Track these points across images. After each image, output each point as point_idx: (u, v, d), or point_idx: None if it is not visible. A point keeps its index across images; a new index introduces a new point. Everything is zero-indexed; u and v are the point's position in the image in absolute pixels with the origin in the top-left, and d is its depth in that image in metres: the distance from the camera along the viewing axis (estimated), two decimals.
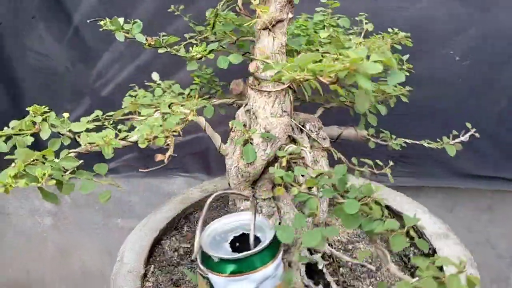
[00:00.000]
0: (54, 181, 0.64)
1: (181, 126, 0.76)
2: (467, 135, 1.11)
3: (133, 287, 0.90)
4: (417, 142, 1.14)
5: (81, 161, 0.70)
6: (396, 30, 1.07)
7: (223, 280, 0.67)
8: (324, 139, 1.09)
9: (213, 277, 0.67)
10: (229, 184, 0.96)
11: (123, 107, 1.01)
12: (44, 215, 1.90)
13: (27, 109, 0.80)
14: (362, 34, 1.06)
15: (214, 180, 1.27)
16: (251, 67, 0.89)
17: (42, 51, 1.55)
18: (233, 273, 0.66)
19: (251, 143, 0.86)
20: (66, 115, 0.79)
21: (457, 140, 1.11)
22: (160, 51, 0.96)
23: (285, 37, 0.91)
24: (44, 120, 0.76)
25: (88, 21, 0.88)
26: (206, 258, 0.69)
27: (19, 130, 0.76)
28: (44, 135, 0.74)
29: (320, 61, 0.74)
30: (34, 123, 0.77)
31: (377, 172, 0.89)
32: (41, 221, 1.91)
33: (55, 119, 0.77)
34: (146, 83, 1.10)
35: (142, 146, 0.69)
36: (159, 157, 0.70)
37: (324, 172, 0.74)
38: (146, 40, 0.92)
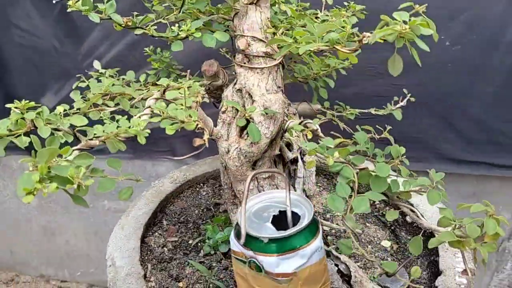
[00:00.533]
0: (92, 181, 0.56)
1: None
2: (404, 100, 1.20)
3: (138, 286, 0.83)
4: (366, 110, 1.21)
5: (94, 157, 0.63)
6: (352, 3, 1.11)
7: (274, 260, 0.65)
8: (294, 114, 1.11)
9: (264, 258, 0.65)
10: (225, 167, 0.93)
11: (75, 100, 0.92)
12: None
13: (6, 106, 0.68)
14: (323, 7, 1.08)
15: (182, 168, 1.21)
16: (241, 44, 0.87)
17: (29, 28, 1.47)
18: (284, 251, 0.65)
19: (252, 122, 0.84)
20: (60, 108, 0.69)
21: (398, 105, 1.20)
22: (137, 32, 0.88)
23: (269, 11, 0.89)
24: (38, 116, 0.65)
25: (54, 1, 0.77)
26: (251, 241, 0.66)
27: (9, 130, 0.64)
28: (44, 133, 0.64)
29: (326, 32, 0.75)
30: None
31: (377, 137, 0.93)
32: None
33: (50, 114, 0.67)
34: (88, 72, 1.02)
35: (170, 132, 0.64)
36: (197, 141, 0.65)
37: (346, 141, 0.76)
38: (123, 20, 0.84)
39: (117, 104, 0.90)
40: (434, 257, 0.94)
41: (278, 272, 0.65)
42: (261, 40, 0.87)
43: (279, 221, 0.71)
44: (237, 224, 0.71)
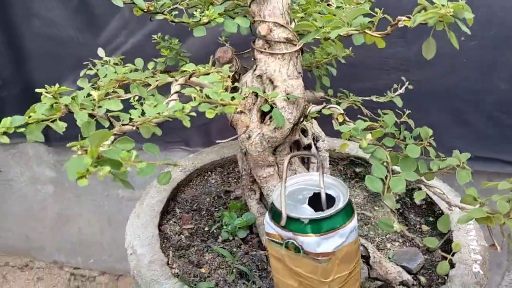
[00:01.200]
0: (144, 164, 0.56)
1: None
2: (403, 88, 1.23)
3: (165, 276, 0.83)
4: (367, 98, 1.23)
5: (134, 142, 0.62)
6: None
7: (315, 240, 0.66)
8: (305, 100, 1.12)
9: (305, 239, 0.66)
10: (245, 153, 0.94)
11: (84, 88, 0.90)
12: (45, 183, 1.87)
13: (37, 90, 0.67)
14: None
15: (189, 157, 1.21)
16: (263, 30, 0.87)
17: (48, 18, 1.49)
18: (325, 231, 0.66)
19: (275, 107, 0.85)
20: (94, 93, 0.68)
21: (397, 93, 1.22)
22: (158, 17, 0.87)
23: None
24: (73, 100, 0.64)
25: None
26: (290, 223, 0.67)
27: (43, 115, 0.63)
28: (81, 118, 0.63)
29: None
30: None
31: (399, 121, 0.95)
32: (41, 189, 1.88)
33: (85, 99, 0.66)
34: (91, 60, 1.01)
35: (211, 116, 0.63)
36: (240, 124, 0.65)
37: (374, 125, 0.78)
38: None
39: (127, 92, 0.89)
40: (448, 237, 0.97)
41: (318, 252, 0.67)
42: (282, 26, 0.87)
43: (312, 203, 0.72)
44: (272, 207, 0.72)
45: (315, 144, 1.02)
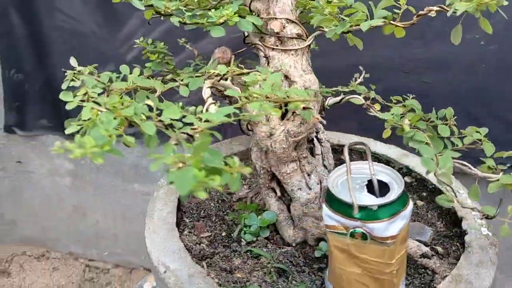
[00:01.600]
0: (249, 169, 0.54)
1: None
2: (361, 77, 1.30)
3: (208, 285, 0.80)
4: (334, 88, 1.29)
5: None
6: None
7: (384, 225, 0.69)
8: None
9: (374, 225, 0.68)
10: (265, 152, 0.93)
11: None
12: (64, 175, 1.90)
13: (84, 105, 0.60)
14: None
15: None
16: (276, 27, 0.87)
17: (71, 13, 1.54)
18: (391, 215, 0.69)
19: None
20: (150, 102, 0.63)
21: (357, 81, 1.30)
22: (172, 19, 0.82)
23: None
24: (135, 112, 0.59)
25: None
26: (358, 212, 0.69)
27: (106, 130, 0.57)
28: (149, 130, 0.58)
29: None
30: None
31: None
32: (60, 181, 1.92)
33: (146, 110, 0.61)
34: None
35: (278, 114, 0.62)
36: (313, 119, 0.65)
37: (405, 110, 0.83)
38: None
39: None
40: (444, 208, 1.06)
41: (387, 236, 0.70)
42: (293, 22, 0.88)
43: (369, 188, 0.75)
44: (331, 199, 0.73)
45: (316, 137, 1.05)
